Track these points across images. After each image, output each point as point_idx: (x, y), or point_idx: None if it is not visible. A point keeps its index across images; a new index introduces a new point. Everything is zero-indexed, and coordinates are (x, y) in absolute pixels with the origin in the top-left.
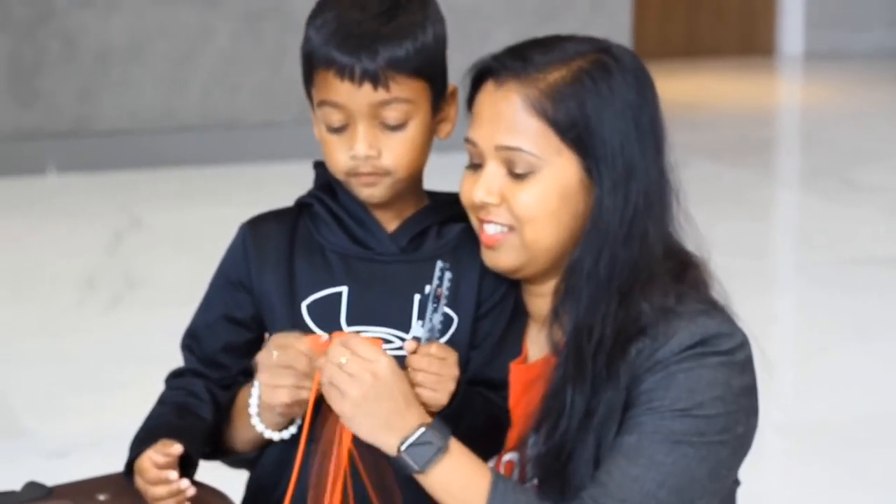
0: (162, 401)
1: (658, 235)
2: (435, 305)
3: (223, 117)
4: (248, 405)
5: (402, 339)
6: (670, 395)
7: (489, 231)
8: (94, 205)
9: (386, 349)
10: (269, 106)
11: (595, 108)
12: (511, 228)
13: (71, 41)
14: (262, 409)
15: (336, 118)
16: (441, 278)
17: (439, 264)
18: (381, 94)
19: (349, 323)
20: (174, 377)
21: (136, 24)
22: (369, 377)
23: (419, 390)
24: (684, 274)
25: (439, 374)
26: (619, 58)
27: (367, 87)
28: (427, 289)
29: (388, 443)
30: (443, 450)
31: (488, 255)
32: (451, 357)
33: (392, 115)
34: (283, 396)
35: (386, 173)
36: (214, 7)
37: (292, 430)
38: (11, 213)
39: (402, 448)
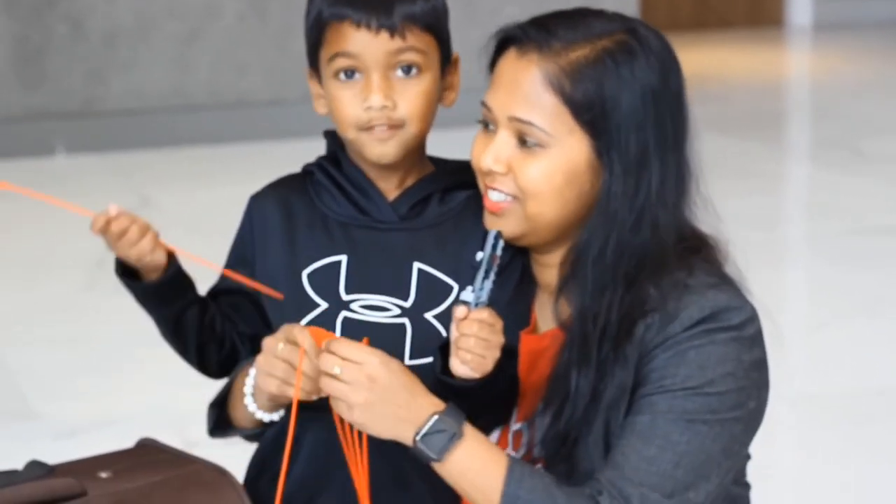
0: None
1: (671, 223)
2: (486, 271)
3: (231, 96)
4: (243, 385)
5: (399, 307)
6: (681, 373)
7: (493, 198)
8: (103, 185)
9: (383, 317)
10: (276, 84)
11: (613, 91)
12: (515, 198)
13: (78, 22)
14: (255, 390)
15: (349, 67)
16: (495, 245)
17: (493, 231)
18: (398, 42)
19: (347, 291)
20: None
21: (143, 4)
22: (366, 381)
23: (465, 356)
24: (697, 252)
25: (488, 340)
26: (644, 39)
27: (384, 35)
28: (479, 255)
29: (405, 436)
30: (457, 436)
31: (490, 221)
32: (499, 324)
33: (407, 62)
34: (271, 386)
35: (400, 125)
36: None
37: (282, 412)
38: (20, 195)
39: (418, 438)
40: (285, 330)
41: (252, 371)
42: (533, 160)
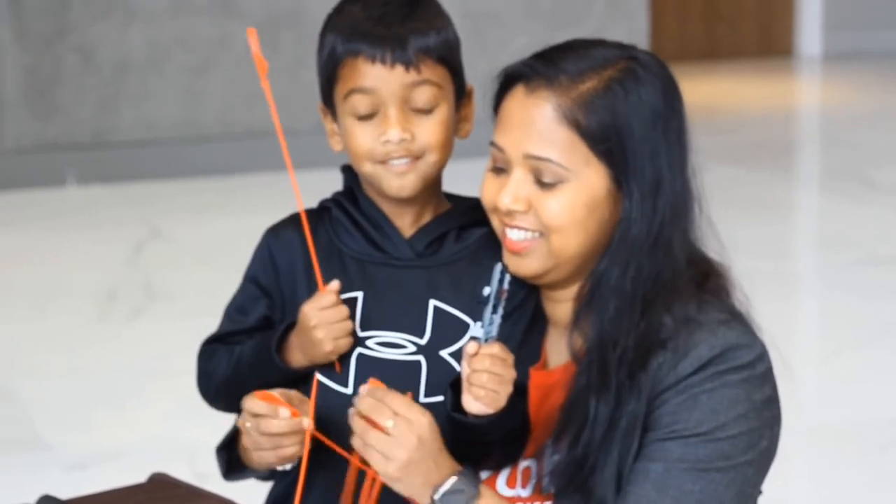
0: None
1: (682, 245)
2: (495, 306)
3: (242, 127)
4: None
5: (415, 344)
6: (694, 418)
7: (515, 237)
8: (115, 216)
9: (398, 354)
10: (287, 115)
11: (626, 118)
12: (539, 234)
13: (89, 53)
14: None
15: (365, 105)
16: (501, 280)
17: (498, 266)
18: (413, 76)
19: (363, 328)
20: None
21: (154, 35)
22: (415, 440)
23: (479, 392)
24: (706, 282)
25: (501, 375)
26: (647, 65)
27: (399, 69)
28: (486, 290)
29: (424, 494)
30: (475, 496)
31: (513, 261)
32: (510, 358)
33: (423, 97)
34: (268, 459)
35: (419, 156)
36: (232, 17)
37: (295, 462)
38: (32, 226)
39: (437, 497)
40: (246, 406)
41: None
42: (553, 195)
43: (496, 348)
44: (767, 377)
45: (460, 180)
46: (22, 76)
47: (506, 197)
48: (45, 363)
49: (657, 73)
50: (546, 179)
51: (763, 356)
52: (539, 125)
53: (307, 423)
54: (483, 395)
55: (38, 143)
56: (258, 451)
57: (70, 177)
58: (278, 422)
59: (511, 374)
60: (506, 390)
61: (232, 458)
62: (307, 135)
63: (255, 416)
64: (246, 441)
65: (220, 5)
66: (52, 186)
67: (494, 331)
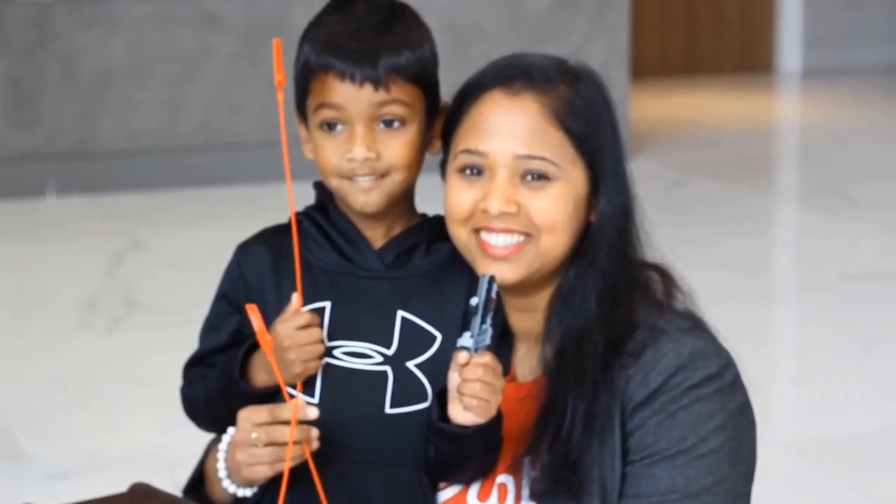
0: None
1: (639, 241)
2: (483, 315)
3: (223, 138)
4: (216, 469)
5: (382, 355)
6: (675, 436)
7: (501, 243)
8: (95, 227)
9: (365, 364)
10: (269, 126)
11: (598, 118)
12: (525, 237)
13: (70, 63)
14: (231, 472)
15: (333, 120)
16: (489, 289)
17: (486, 276)
18: (382, 95)
19: (330, 338)
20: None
21: (136, 45)
22: (501, 384)
23: (471, 402)
24: (660, 280)
25: (492, 385)
26: (589, 71)
27: (367, 88)
28: (473, 300)
29: None
30: None
31: (496, 269)
32: (499, 368)
33: (391, 115)
34: (265, 472)
35: (384, 174)
36: (214, 28)
37: (255, 487)
38: (11, 236)
39: None
40: (246, 419)
41: (221, 455)
42: (542, 195)
43: (487, 358)
44: (737, 384)
45: (433, 194)
46: (3, 85)
47: (495, 201)
48: (24, 373)
49: (597, 79)
50: (535, 179)
51: (730, 364)
52: (530, 125)
53: (315, 433)
54: (475, 405)
55: (18, 153)
56: (255, 466)
57: (50, 187)
58: (290, 428)
59: (501, 383)
60: (497, 399)
61: (200, 499)
62: (289, 146)
63: (261, 424)
64: (240, 457)
65: (202, 16)
66: (32, 196)
67: (488, 339)
